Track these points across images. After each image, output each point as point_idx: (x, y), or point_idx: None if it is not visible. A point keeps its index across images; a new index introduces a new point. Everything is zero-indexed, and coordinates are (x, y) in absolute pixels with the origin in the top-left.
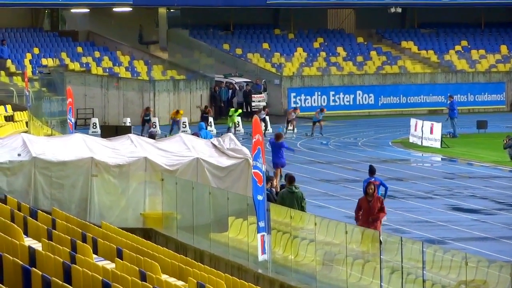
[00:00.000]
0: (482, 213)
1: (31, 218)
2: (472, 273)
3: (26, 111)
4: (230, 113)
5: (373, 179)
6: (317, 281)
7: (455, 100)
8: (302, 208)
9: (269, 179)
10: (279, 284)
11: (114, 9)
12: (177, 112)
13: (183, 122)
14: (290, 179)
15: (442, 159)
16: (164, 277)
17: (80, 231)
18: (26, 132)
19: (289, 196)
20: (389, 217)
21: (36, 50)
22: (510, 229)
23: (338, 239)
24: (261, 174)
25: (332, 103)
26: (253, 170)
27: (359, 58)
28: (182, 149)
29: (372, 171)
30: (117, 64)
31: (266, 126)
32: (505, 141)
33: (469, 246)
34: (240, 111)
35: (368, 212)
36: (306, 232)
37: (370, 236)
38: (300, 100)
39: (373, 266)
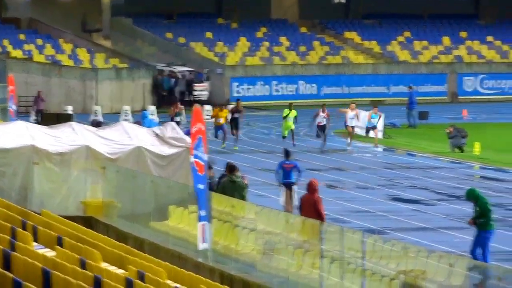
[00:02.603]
0: (422, 203)
1: None
2: (411, 263)
3: None
4: (284, 114)
5: (288, 162)
6: (257, 270)
7: (415, 91)
8: (242, 198)
9: (210, 167)
10: (219, 273)
11: None
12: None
13: (126, 111)
14: (231, 168)
15: (384, 149)
16: (104, 265)
17: (20, 218)
18: None
19: (230, 185)
20: (330, 207)
21: None
22: (450, 220)
23: (278, 228)
24: (202, 163)
25: (274, 93)
26: (194, 159)
27: (302, 48)
28: (123, 137)
29: (287, 154)
30: (59, 52)
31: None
32: (449, 131)
33: (408, 236)
34: (295, 113)
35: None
36: (247, 221)
37: (311, 226)
38: (243, 89)
39: (313, 256)
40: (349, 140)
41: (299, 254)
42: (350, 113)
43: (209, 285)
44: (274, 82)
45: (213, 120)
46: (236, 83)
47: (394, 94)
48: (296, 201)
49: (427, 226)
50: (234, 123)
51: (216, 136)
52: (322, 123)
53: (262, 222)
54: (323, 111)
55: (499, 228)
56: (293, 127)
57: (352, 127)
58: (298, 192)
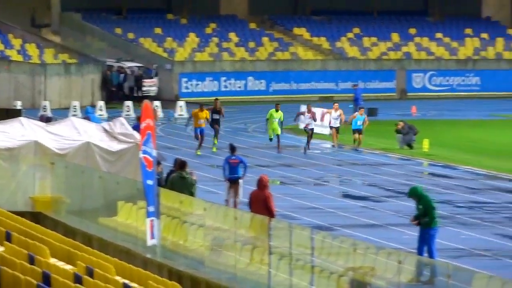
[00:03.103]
0: (370, 200)
1: None
2: (360, 259)
3: None
4: (268, 116)
5: (233, 157)
6: (205, 266)
7: (360, 88)
8: (191, 194)
9: (159, 163)
10: (168, 269)
11: None
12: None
13: (74, 106)
14: (181, 164)
15: (332, 145)
16: (53, 260)
17: None
18: None
19: (179, 181)
20: (279, 203)
21: None
22: (399, 216)
23: (227, 224)
24: (151, 159)
25: (223, 89)
26: (142, 155)
27: (251, 44)
28: (72, 133)
29: (233, 149)
30: (8, 47)
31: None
32: (401, 127)
33: (357, 233)
34: (281, 114)
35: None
36: (196, 217)
37: (259, 222)
38: (192, 85)
39: (262, 252)
40: (335, 142)
41: (247, 251)
42: (334, 114)
43: (158, 281)
44: (223, 78)
45: (191, 119)
46: (185, 79)
47: (343, 90)
48: (241, 197)
49: (376, 223)
50: (215, 125)
51: (196, 138)
52: (310, 126)
53: (211, 218)
54: (309, 111)
55: (448, 225)
56: (279, 131)
57: (337, 128)
58: (246, 188)
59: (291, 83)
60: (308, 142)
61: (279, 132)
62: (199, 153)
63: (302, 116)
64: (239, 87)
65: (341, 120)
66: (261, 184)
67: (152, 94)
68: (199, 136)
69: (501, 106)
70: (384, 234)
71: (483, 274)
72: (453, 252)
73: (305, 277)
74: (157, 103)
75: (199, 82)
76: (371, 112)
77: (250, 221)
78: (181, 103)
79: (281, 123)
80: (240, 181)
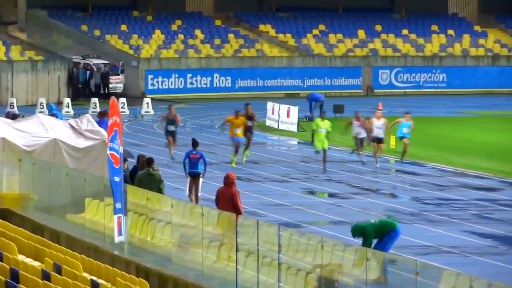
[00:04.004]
0: (338, 197)
1: None
2: (327, 256)
3: None
4: (314, 126)
5: (195, 152)
6: (173, 263)
7: (313, 94)
8: (160, 190)
9: (125, 160)
10: (135, 266)
11: None
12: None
13: (41, 103)
14: (149, 161)
15: (298, 142)
16: (20, 257)
17: None
18: None
19: (147, 178)
20: (246, 200)
21: None
22: (365, 213)
23: (194, 221)
24: (118, 156)
25: (189, 86)
26: (109, 152)
27: (217, 41)
28: (40, 130)
29: (195, 144)
30: None
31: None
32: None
33: (325, 230)
34: (328, 124)
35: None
36: (163, 214)
37: (227, 219)
38: (158, 82)
39: (229, 249)
40: (376, 156)
41: (215, 248)
42: (376, 122)
43: (125, 278)
44: (189, 75)
45: (227, 127)
46: (151, 76)
47: (309, 87)
48: (200, 192)
49: (343, 219)
50: (247, 133)
51: (236, 148)
52: (361, 135)
53: (178, 215)
54: (357, 119)
55: (416, 222)
56: (325, 144)
57: (380, 139)
58: (214, 185)
59: (257, 80)
60: (357, 151)
61: (326, 146)
62: (234, 164)
63: (352, 126)
64: (205, 84)
65: (385, 129)
66: (228, 181)
67: (118, 91)
68: (237, 146)
69: (468, 103)
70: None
71: (451, 271)
72: (421, 249)
73: (272, 274)
74: (123, 100)
75: (165, 79)
76: (338, 109)
77: (217, 218)
78: (147, 100)
79: (328, 134)
80: (201, 177)
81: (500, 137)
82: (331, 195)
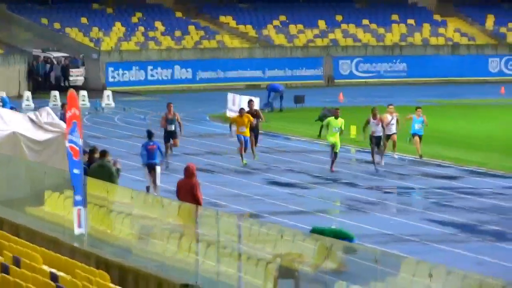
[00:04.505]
0: (298, 187)
1: None
2: (288, 246)
3: None
4: (325, 123)
5: (152, 143)
6: (133, 255)
7: (272, 86)
8: (112, 183)
9: (86, 153)
10: (95, 258)
11: None
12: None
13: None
14: (102, 153)
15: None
16: None
17: None
18: None
19: (98, 170)
20: (206, 191)
21: None
22: (326, 203)
23: (154, 213)
24: (77, 148)
25: (150, 78)
26: (68, 144)
27: (178, 33)
28: None
29: (150, 135)
30: None
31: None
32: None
33: (285, 220)
34: (341, 122)
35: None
36: (123, 206)
37: (187, 210)
38: (118, 74)
39: (189, 240)
40: (381, 156)
41: (175, 239)
42: (389, 118)
43: (85, 270)
44: (150, 67)
45: (233, 127)
46: (111, 68)
47: (270, 78)
48: (159, 182)
49: (304, 209)
50: (253, 132)
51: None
52: (377, 133)
53: (138, 206)
54: (374, 116)
55: (376, 211)
56: (338, 146)
57: (390, 136)
58: (175, 176)
59: (218, 71)
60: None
61: (338, 148)
62: (245, 162)
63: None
64: (166, 76)
65: (397, 125)
66: (188, 173)
67: (79, 84)
68: (242, 143)
69: (428, 92)
70: (311, 220)
71: (411, 259)
72: (381, 238)
73: (232, 265)
74: (84, 92)
75: (126, 72)
76: (298, 99)
77: (177, 209)
78: (108, 93)
79: (341, 132)
80: (158, 167)
81: (459, 125)
82: (291, 185)
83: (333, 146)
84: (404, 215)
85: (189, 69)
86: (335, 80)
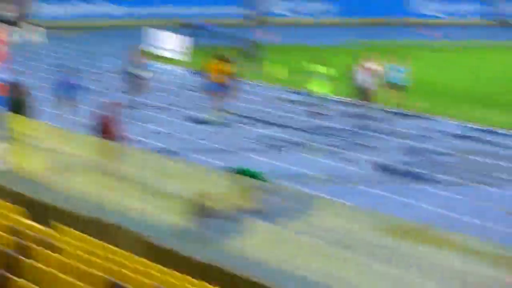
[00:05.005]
0: (221, 125)
1: None
2: (206, 184)
3: None
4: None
5: (68, 78)
6: (51, 191)
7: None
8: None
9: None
10: (13, 194)
11: None
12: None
13: None
14: (16, 86)
15: (183, 71)
16: None
17: None
18: None
19: (17, 104)
20: (128, 128)
21: None
22: (251, 142)
23: (74, 149)
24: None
25: (81, 12)
26: None
27: None
28: None
29: (69, 71)
30: None
31: None
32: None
33: (206, 158)
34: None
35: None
36: (41, 141)
37: (108, 147)
38: (51, 9)
39: (110, 177)
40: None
41: (95, 175)
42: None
43: (3, 206)
44: (82, 3)
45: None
46: (44, 4)
47: (194, 15)
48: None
49: (226, 148)
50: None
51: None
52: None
53: (57, 141)
54: (362, 65)
55: (298, 151)
56: (323, 90)
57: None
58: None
59: (141, 7)
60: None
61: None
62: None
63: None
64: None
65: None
66: (109, 109)
67: (9, 18)
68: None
69: (363, 33)
70: (234, 159)
71: (327, 199)
72: (301, 178)
73: (151, 201)
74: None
75: (58, 5)
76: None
77: (96, 146)
78: (36, 27)
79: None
80: (75, 103)
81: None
82: (214, 123)
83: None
84: (322, 155)
85: (114, 5)
86: (268, 18)
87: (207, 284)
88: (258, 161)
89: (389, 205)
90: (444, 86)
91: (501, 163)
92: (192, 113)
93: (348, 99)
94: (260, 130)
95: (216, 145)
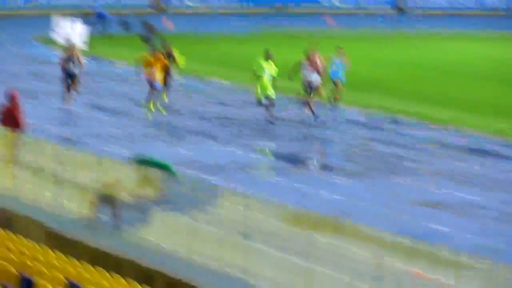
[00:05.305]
0: (123, 112)
1: None
2: (107, 173)
3: None
4: (255, 68)
5: None
6: None
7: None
8: None
9: None
10: None
11: None
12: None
13: None
14: None
15: (87, 59)
16: None
17: None
18: None
19: None
20: (29, 115)
21: None
22: (148, 130)
23: None
24: None
25: None
26: None
27: None
28: None
29: None
30: None
31: None
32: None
33: (106, 147)
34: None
35: None
36: None
37: (7, 135)
38: None
39: (7, 165)
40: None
41: None
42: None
43: None
44: None
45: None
46: None
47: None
48: None
49: (127, 135)
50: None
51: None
52: (315, 82)
53: None
54: (308, 59)
55: (201, 140)
56: (270, 91)
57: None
58: None
59: None
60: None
61: (270, 92)
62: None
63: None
64: None
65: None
66: (10, 98)
67: None
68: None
69: (262, 21)
70: (136, 147)
71: (228, 188)
72: (204, 167)
73: (52, 190)
74: None
75: None
76: (123, 25)
77: None
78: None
79: (274, 80)
80: None
81: (283, 55)
82: (113, 110)
83: (262, 98)
84: (226, 143)
85: None
86: (166, 7)
87: (116, 274)
88: (160, 149)
89: (291, 194)
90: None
91: (405, 152)
92: (91, 99)
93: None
94: (163, 118)
95: (118, 133)
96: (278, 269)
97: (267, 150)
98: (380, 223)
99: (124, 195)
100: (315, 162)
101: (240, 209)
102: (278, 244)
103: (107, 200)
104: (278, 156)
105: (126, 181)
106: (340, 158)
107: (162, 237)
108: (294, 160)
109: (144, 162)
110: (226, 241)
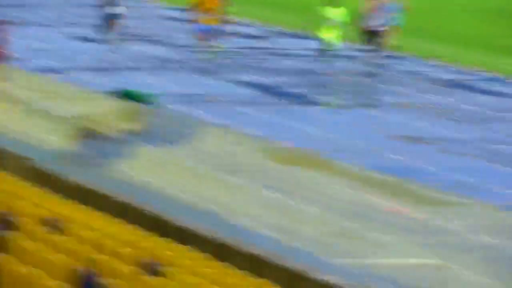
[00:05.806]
0: (107, 43)
1: None
2: (89, 105)
3: None
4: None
5: None
6: None
7: None
8: None
9: None
10: None
11: None
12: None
13: None
14: None
15: None
16: None
17: None
18: None
19: None
20: (11, 45)
21: None
22: (137, 61)
23: None
24: None
25: None
26: None
27: None
28: None
29: None
30: None
31: None
32: None
33: (89, 78)
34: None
35: None
36: None
37: None
38: None
39: None
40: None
41: None
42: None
43: None
44: None
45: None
46: None
47: None
48: None
49: (110, 66)
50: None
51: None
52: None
53: None
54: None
55: (183, 71)
56: (337, 39)
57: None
58: None
59: None
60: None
61: (337, 40)
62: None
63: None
64: None
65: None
66: None
67: None
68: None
69: None
70: (120, 78)
71: (211, 123)
72: (187, 98)
73: (36, 122)
74: None
75: None
76: None
77: None
78: None
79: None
80: None
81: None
82: (95, 40)
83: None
84: (210, 75)
85: None
86: None
87: (91, 208)
88: (142, 81)
89: (273, 127)
90: None
91: (384, 85)
92: (73, 30)
93: None
94: (143, 49)
95: (101, 64)
96: (263, 206)
97: (247, 83)
98: (357, 157)
99: (103, 128)
100: (295, 94)
101: (223, 143)
102: (263, 180)
103: (86, 132)
104: (261, 87)
105: (107, 114)
106: (319, 91)
107: (140, 171)
108: (275, 92)
109: (127, 95)
110: (208, 176)
